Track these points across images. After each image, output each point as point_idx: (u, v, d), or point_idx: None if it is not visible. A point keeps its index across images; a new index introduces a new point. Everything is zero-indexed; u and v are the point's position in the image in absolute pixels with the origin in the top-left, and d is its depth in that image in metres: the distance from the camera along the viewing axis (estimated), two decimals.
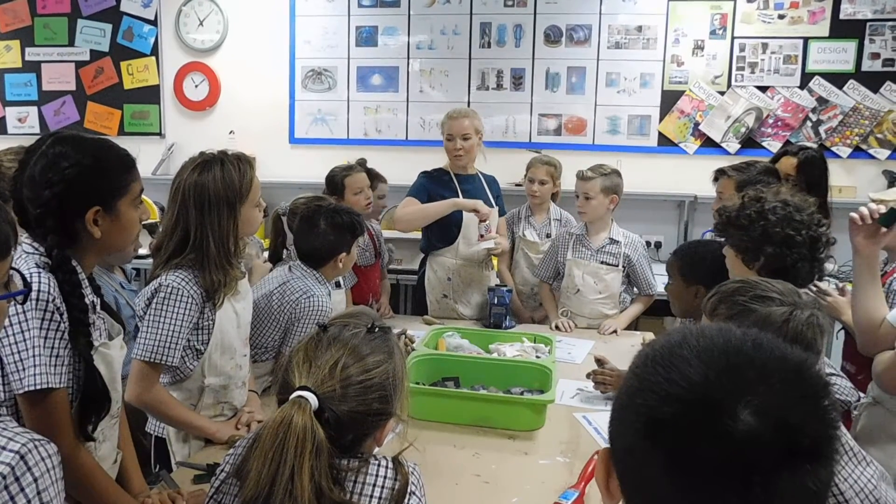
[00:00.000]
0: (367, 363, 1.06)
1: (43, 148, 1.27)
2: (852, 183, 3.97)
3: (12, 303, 1.01)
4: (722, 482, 0.53)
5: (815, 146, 3.29)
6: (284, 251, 2.67)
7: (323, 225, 2.19)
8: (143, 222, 1.43)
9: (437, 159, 3.16)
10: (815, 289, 1.86)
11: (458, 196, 2.92)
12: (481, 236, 2.88)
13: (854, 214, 1.68)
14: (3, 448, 0.81)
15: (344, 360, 1.05)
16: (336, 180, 3.07)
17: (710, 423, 0.54)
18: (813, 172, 2.66)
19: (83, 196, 1.27)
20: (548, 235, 3.26)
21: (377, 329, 1.12)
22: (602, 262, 2.92)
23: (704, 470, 0.54)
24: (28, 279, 1.08)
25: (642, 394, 0.59)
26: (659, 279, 2.98)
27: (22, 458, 0.81)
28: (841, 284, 2.28)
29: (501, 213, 3.12)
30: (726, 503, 0.53)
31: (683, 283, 2.15)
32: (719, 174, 2.63)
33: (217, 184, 1.66)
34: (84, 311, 1.27)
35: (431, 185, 2.98)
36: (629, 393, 0.61)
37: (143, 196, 1.43)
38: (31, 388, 1.20)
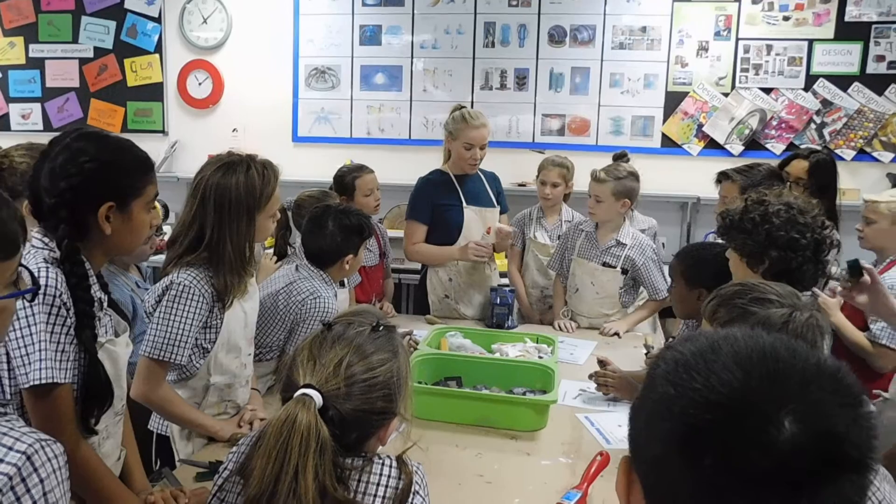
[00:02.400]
0: (372, 362, 1.06)
1: (66, 141, 1.29)
2: (856, 186, 3.96)
3: (20, 300, 1.01)
4: (766, 493, 0.52)
5: (824, 149, 3.30)
6: (289, 248, 2.66)
7: (331, 226, 2.18)
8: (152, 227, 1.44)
9: (440, 158, 3.15)
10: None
11: (461, 200, 2.91)
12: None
13: (838, 296, 1.92)
14: (10, 448, 0.81)
15: (348, 358, 1.04)
16: (346, 181, 3.06)
17: (753, 431, 0.53)
18: (824, 176, 2.66)
19: (98, 191, 1.28)
20: (559, 237, 3.24)
21: (381, 328, 1.12)
22: (604, 263, 2.91)
23: (747, 480, 0.52)
24: (36, 275, 1.08)
25: (679, 401, 0.56)
26: None
27: (28, 458, 0.81)
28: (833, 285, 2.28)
29: (503, 210, 3.12)
30: None
31: (686, 285, 2.15)
32: (722, 177, 2.63)
33: (239, 189, 1.65)
34: (90, 303, 1.27)
35: (434, 196, 2.93)
36: (662, 400, 0.58)
37: None
38: (37, 382, 1.21)
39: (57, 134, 1.34)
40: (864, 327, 2.23)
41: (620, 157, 3.23)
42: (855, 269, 1.75)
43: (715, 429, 0.54)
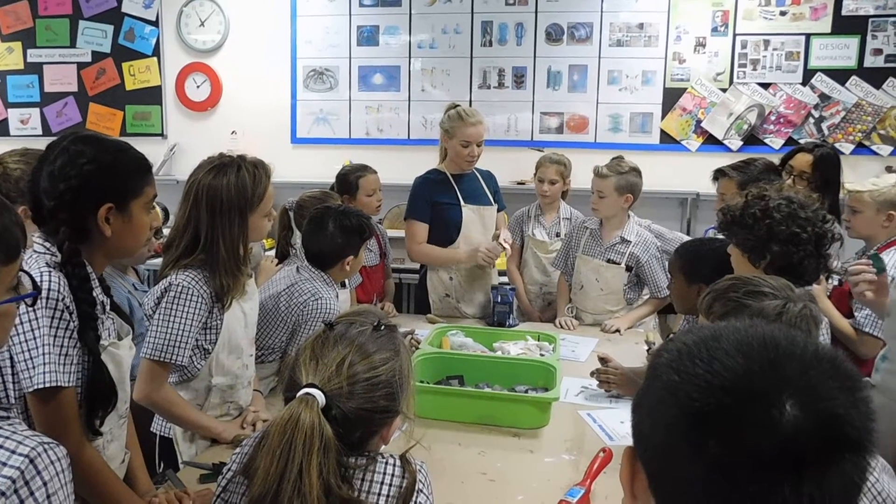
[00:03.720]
0: (374, 361, 1.06)
1: (64, 144, 1.30)
2: (855, 179, 3.95)
3: (21, 304, 1.01)
4: (770, 475, 0.53)
5: (828, 143, 3.29)
6: (291, 249, 2.67)
7: (331, 227, 2.19)
8: (152, 229, 1.45)
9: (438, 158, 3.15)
10: None
11: (458, 198, 2.92)
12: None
13: (868, 286, 1.84)
14: (13, 452, 0.82)
15: (351, 357, 1.05)
16: (350, 180, 3.06)
17: (756, 414, 0.54)
18: (828, 170, 2.67)
19: (98, 192, 1.28)
20: (557, 234, 3.24)
21: (383, 327, 1.12)
22: (608, 260, 2.91)
23: (752, 462, 0.53)
24: (38, 279, 1.09)
25: (684, 387, 0.58)
26: None
27: (31, 461, 0.82)
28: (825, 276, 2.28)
29: (501, 208, 3.12)
30: (776, 499, 0.53)
31: (686, 281, 2.15)
32: (719, 174, 2.63)
33: (230, 190, 1.66)
34: (92, 304, 1.28)
35: (432, 194, 2.94)
36: (667, 388, 0.60)
37: None
38: (40, 385, 1.21)
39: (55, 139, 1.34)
40: (848, 314, 2.25)
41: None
42: (879, 262, 1.81)
43: (719, 413, 0.55)
